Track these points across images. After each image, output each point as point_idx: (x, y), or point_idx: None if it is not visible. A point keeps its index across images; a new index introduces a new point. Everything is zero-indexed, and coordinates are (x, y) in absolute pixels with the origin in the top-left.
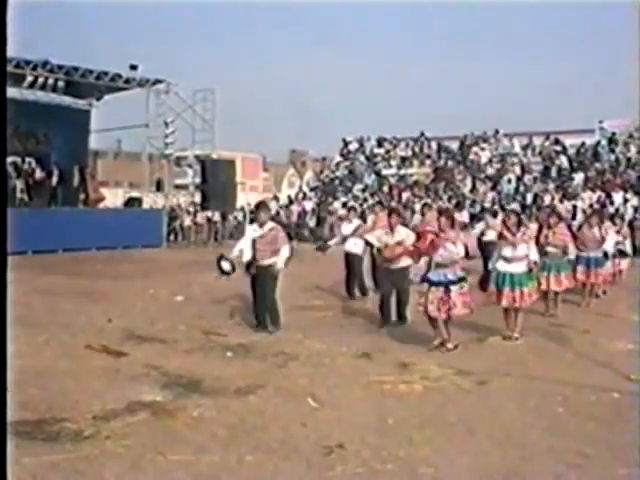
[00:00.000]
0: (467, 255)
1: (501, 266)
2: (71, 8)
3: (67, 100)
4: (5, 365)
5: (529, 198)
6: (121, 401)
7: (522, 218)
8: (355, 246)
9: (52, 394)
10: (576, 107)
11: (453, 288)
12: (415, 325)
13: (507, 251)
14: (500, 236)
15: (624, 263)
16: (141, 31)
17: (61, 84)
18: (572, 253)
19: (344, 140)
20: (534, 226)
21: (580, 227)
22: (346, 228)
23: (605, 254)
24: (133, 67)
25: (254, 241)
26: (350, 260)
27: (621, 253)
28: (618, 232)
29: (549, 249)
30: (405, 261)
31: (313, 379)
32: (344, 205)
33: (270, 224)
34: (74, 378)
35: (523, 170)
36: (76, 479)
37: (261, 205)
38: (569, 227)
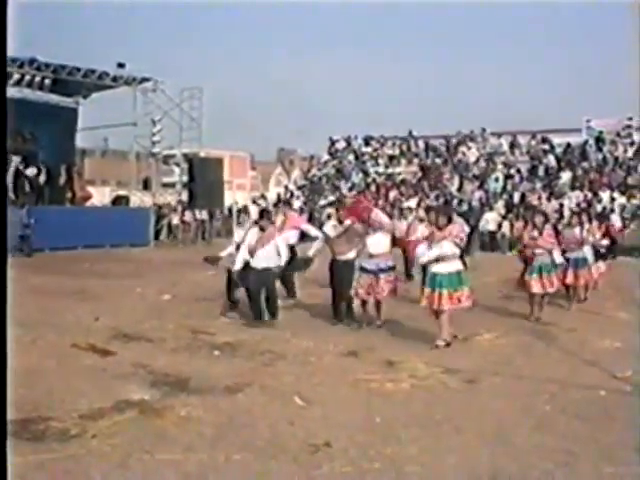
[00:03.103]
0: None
1: (432, 266)
2: (58, 6)
3: (54, 98)
4: (5, 365)
5: (516, 197)
6: (108, 400)
7: (452, 216)
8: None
9: (38, 393)
10: (564, 105)
11: (382, 275)
12: (402, 324)
13: (435, 250)
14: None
15: (602, 266)
16: (128, 29)
17: (48, 82)
18: (557, 258)
19: (331, 139)
20: (519, 224)
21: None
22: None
23: (597, 253)
24: (120, 65)
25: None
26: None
27: (599, 255)
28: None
29: (536, 251)
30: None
31: (300, 377)
32: (331, 204)
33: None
34: (61, 377)
35: (510, 169)
36: (63, 479)
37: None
38: (554, 228)
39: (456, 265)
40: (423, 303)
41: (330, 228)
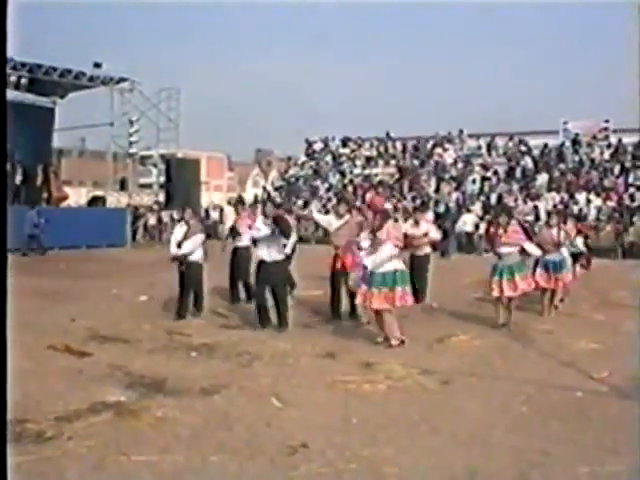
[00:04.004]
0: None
1: (370, 267)
2: (33, 5)
3: (30, 98)
4: (5, 365)
5: (493, 198)
6: (84, 401)
7: (390, 215)
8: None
9: (14, 395)
10: (541, 107)
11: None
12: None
13: (372, 251)
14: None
15: (578, 268)
16: (105, 29)
17: (24, 81)
18: (533, 251)
19: (307, 141)
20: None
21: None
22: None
23: (573, 255)
24: (97, 65)
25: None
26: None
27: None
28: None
29: (502, 250)
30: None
31: (277, 379)
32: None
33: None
34: (37, 379)
35: (487, 171)
36: None
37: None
38: (521, 224)
39: (394, 265)
40: (358, 300)
41: (333, 221)
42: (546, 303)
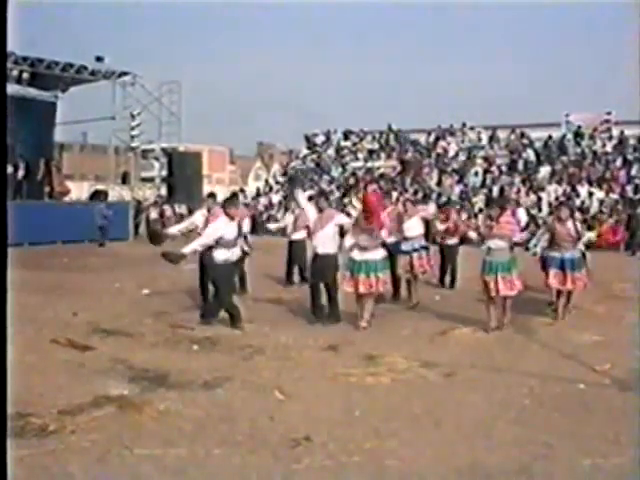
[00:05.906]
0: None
1: (356, 255)
2: (36, 0)
3: (32, 92)
4: (5, 364)
5: (495, 191)
6: (87, 395)
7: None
8: (299, 234)
9: (17, 389)
10: (543, 100)
11: (415, 254)
12: (381, 318)
13: (363, 239)
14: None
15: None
16: (107, 23)
17: (26, 76)
18: (519, 238)
19: (306, 136)
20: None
21: (545, 221)
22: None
23: (583, 254)
24: (99, 59)
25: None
26: (294, 247)
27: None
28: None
29: (493, 244)
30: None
31: (279, 372)
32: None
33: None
34: (39, 373)
35: (490, 163)
36: (41, 474)
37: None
38: (513, 212)
39: (379, 253)
40: (348, 288)
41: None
42: (562, 307)
